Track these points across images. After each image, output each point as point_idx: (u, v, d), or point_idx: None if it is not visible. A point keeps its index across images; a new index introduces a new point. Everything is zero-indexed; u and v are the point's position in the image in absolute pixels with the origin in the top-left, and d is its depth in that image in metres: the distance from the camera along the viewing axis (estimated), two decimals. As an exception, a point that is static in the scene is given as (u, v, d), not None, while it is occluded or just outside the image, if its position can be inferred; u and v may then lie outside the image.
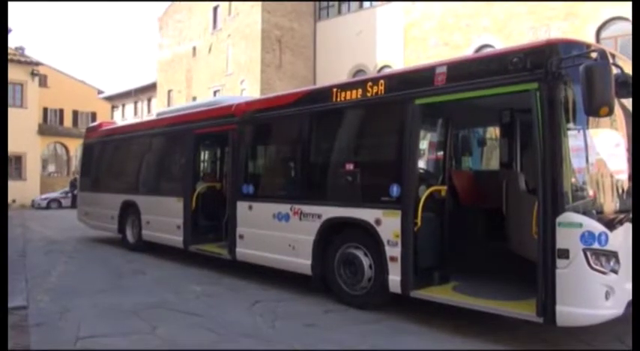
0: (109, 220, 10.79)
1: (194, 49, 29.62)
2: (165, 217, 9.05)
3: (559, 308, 4.09)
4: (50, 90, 35.31)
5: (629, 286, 4.09)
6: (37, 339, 4.61)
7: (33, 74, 27.83)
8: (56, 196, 26.20)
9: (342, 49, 23.99)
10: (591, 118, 4.22)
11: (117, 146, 11.37)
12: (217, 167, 9.80)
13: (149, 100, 37.25)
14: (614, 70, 4.09)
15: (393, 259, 5.27)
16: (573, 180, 4.25)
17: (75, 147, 32.09)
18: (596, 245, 4.03)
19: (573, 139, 4.25)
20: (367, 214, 5.54)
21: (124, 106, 41.19)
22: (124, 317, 5.39)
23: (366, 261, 5.65)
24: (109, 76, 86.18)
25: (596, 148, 4.39)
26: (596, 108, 3.93)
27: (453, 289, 5.26)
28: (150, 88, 35.59)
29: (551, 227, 4.15)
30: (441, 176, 5.77)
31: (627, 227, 4.25)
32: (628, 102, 4.57)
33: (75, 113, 38.95)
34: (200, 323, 5.19)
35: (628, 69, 4.41)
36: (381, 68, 21.62)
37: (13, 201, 24.71)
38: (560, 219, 4.11)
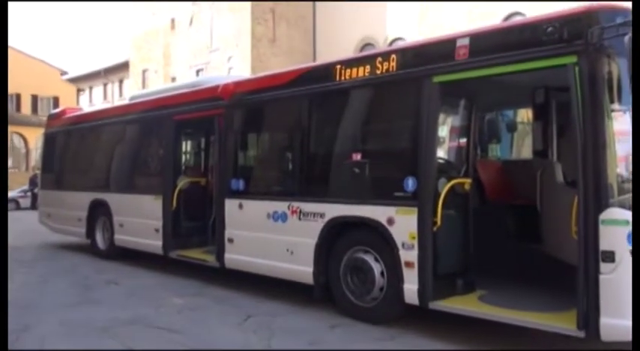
0: (75, 222, 10.84)
1: (172, 21, 29.59)
2: (141, 218, 9.08)
3: (603, 320, 4.09)
4: (4, 71, 35.37)
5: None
6: (-7, 361, 4.65)
7: (-17, 53, 27.87)
8: (13, 196, 26.26)
9: (347, 19, 23.92)
10: (640, 97, 4.22)
11: (84, 136, 11.40)
12: (202, 159, 9.83)
13: (121, 82, 37.29)
14: (667, 40, 4.08)
15: (408, 264, 5.29)
16: (619, 170, 4.26)
17: (35, 138, 32.21)
18: (646, 246, 4.04)
19: (619, 122, 4.24)
20: (378, 213, 5.55)
21: (91, 89, 41.25)
22: (94, 335, 5.41)
23: (377, 267, 5.67)
24: (74, 55, 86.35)
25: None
26: (645, 85, 3.92)
27: (478, 298, 5.28)
28: (121, 68, 35.62)
29: (593, 226, 4.15)
30: (464, 167, 5.77)
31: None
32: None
33: (34, 98, 39.12)
34: (182, 342, 5.21)
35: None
36: (393, 41, 21.59)
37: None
38: (603, 216, 4.12)
